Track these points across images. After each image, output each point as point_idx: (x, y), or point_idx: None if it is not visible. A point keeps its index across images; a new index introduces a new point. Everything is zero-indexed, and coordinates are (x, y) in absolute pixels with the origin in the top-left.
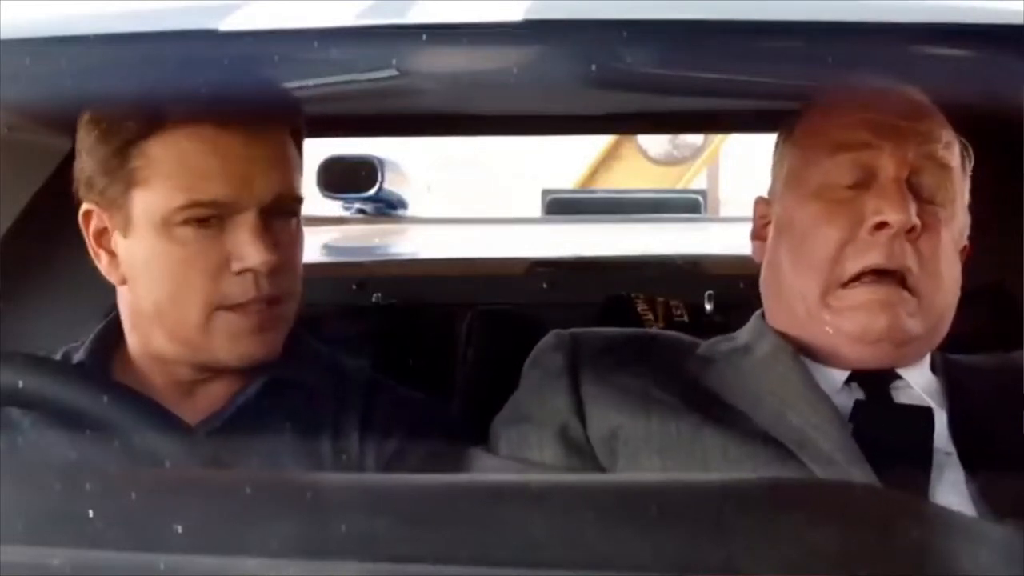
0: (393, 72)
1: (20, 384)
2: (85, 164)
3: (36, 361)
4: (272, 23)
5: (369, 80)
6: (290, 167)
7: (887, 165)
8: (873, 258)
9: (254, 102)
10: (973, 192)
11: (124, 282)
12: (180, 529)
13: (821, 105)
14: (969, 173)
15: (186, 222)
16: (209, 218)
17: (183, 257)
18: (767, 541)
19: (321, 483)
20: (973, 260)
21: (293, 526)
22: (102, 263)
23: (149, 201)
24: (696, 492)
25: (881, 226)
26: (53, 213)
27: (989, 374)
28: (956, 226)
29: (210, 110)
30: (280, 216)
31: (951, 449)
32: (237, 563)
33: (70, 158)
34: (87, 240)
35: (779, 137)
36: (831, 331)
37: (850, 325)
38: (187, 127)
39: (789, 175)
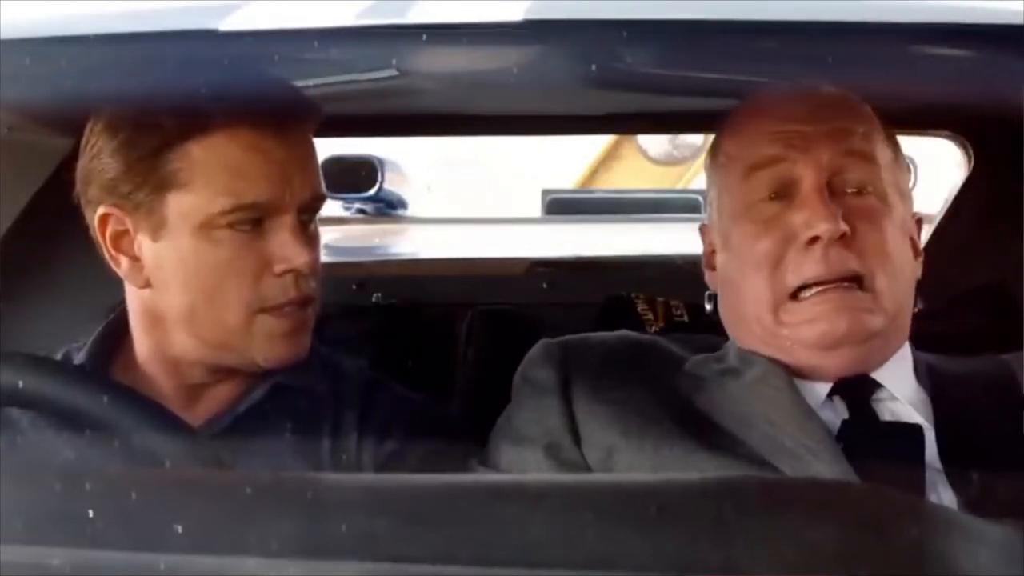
0: (393, 72)
1: (20, 384)
2: (106, 167)
3: (36, 361)
4: (272, 23)
5: (369, 80)
6: (318, 167)
7: (804, 174)
8: (812, 270)
9: (288, 103)
10: (973, 192)
11: (148, 285)
12: (180, 529)
13: (731, 126)
14: (900, 160)
15: (228, 225)
16: (250, 220)
17: (223, 260)
18: (767, 541)
19: (321, 483)
20: (973, 260)
21: (293, 526)
22: (122, 267)
23: (188, 204)
24: (696, 492)
25: (813, 240)
26: (53, 213)
27: (976, 379)
28: (896, 212)
29: (252, 112)
30: (309, 216)
31: (939, 466)
32: (237, 563)
33: (70, 158)
34: (103, 244)
35: (706, 162)
36: (793, 345)
37: (809, 335)
38: (229, 130)
39: (718, 199)
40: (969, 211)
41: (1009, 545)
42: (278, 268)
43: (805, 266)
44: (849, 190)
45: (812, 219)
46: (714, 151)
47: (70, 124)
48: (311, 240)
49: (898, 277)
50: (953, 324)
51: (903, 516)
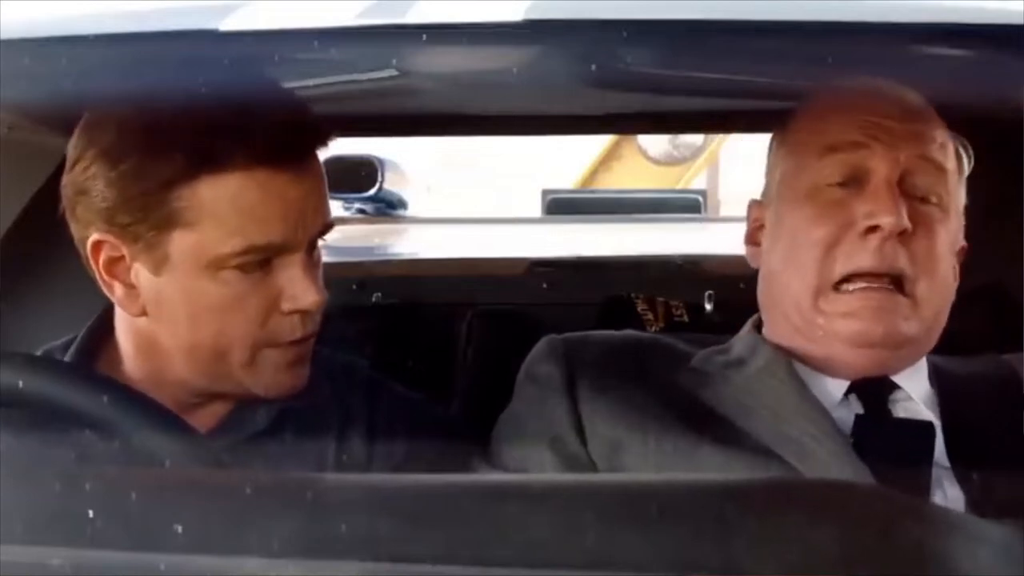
0: (393, 72)
1: (20, 384)
2: (103, 195)
3: (36, 361)
4: (272, 23)
5: (369, 80)
6: (327, 196)
7: (878, 166)
8: (865, 260)
9: (301, 129)
10: (973, 192)
11: (144, 314)
12: (180, 529)
13: (814, 106)
14: (966, 175)
15: (237, 266)
16: (260, 261)
17: (230, 299)
18: (767, 541)
19: (321, 483)
20: (973, 260)
21: (293, 526)
22: (115, 294)
23: (195, 243)
24: (696, 492)
25: (872, 229)
26: (53, 213)
27: (980, 381)
28: (951, 226)
29: (265, 147)
30: (316, 245)
31: (946, 463)
32: (237, 563)
33: None
34: (95, 270)
35: (772, 139)
36: (826, 336)
37: (845, 329)
38: (242, 168)
39: (782, 177)
40: (969, 211)
41: (1010, 546)
42: (286, 307)
43: (857, 255)
44: (917, 194)
45: (877, 209)
46: (782, 137)
47: (70, 124)
48: (317, 272)
49: (940, 289)
50: (953, 324)
51: (905, 517)
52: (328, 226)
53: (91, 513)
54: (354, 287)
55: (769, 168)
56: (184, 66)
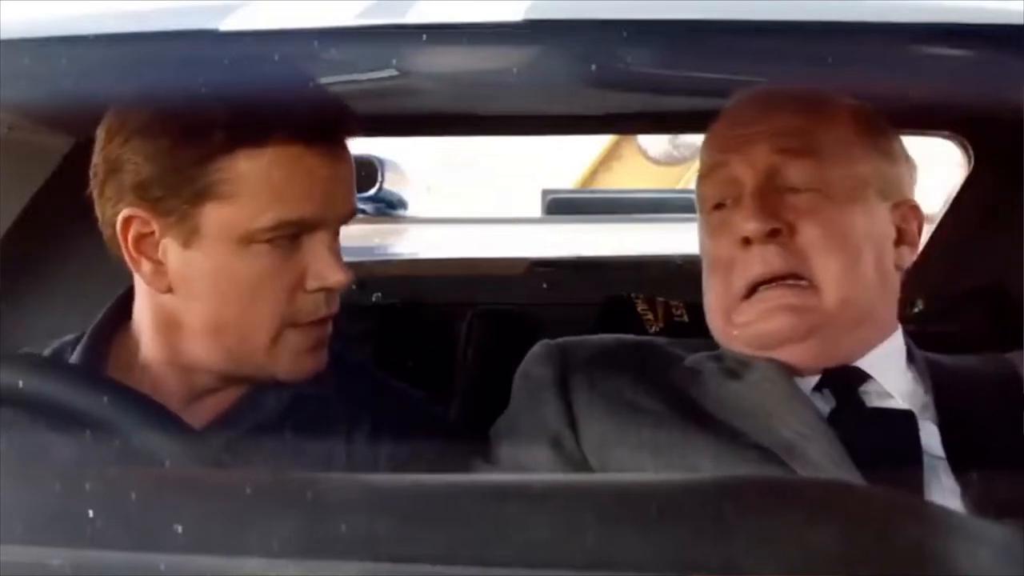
0: (393, 72)
1: (20, 384)
2: (138, 168)
3: (36, 361)
4: (272, 23)
5: (369, 80)
6: (354, 181)
7: (742, 176)
8: (752, 270)
9: (333, 115)
10: (973, 192)
11: (170, 291)
12: (180, 529)
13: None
14: (882, 155)
15: (267, 240)
16: (289, 236)
17: (257, 274)
18: (767, 541)
19: (321, 483)
20: (973, 260)
21: (293, 526)
22: (143, 270)
23: (228, 216)
24: (696, 492)
25: (746, 241)
26: (53, 213)
27: (979, 376)
28: (846, 205)
29: (301, 126)
30: (339, 230)
31: (941, 454)
32: (237, 563)
33: (70, 158)
34: (123, 245)
35: None
36: (745, 346)
37: (751, 336)
38: (279, 144)
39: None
40: (969, 211)
41: (1009, 545)
42: (311, 285)
43: (746, 267)
44: (790, 186)
45: (742, 220)
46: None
47: (70, 124)
48: (340, 254)
49: (853, 268)
50: (953, 324)
51: (904, 516)
52: (354, 212)
53: (91, 513)
54: (354, 287)
55: None
56: (190, 67)
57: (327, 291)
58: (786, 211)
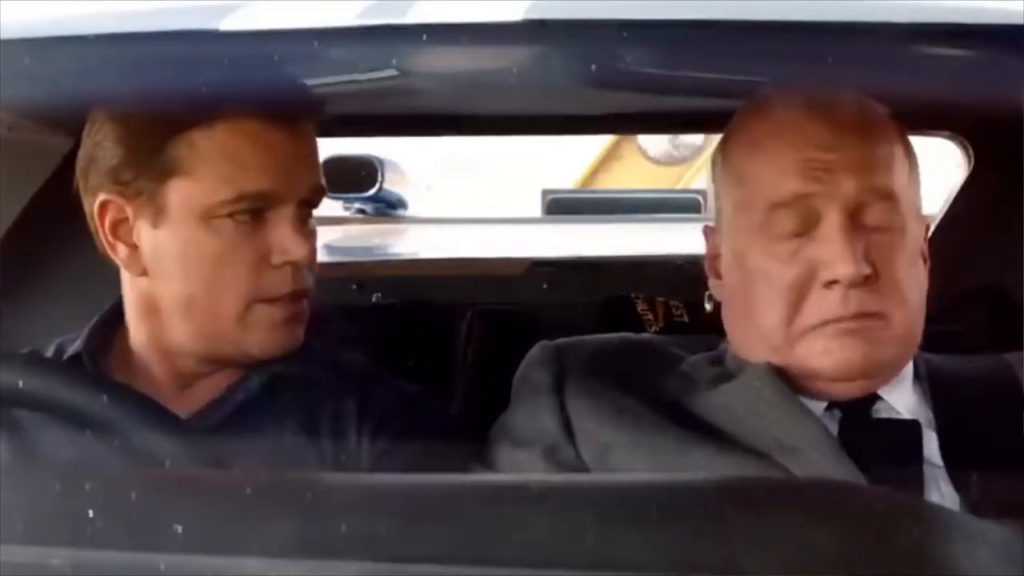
0: (393, 72)
1: (20, 384)
2: (108, 154)
3: (36, 361)
4: (272, 23)
5: (369, 80)
6: (319, 161)
7: (828, 210)
8: (832, 310)
9: (292, 97)
10: (973, 192)
11: (145, 273)
12: (180, 529)
13: (746, 135)
14: (915, 174)
15: (229, 215)
16: (251, 211)
17: (222, 249)
18: (767, 541)
19: (321, 483)
20: (973, 260)
21: (293, 526)
22: (119, 255)
23: (190, 191)
24: (696, 492)
25: (833, 283)
26: (53, 213)
27: (977, 379)
28: (911, 239)
29: (257, 104)
30: (308, 209)
31: (940, 463)
32: (237, 563)
33: (70, 158)
34: (101, 233)
35: (714, 167)
36: (804, 371)
37: (823, 365)
38: (234, 120)
39: (733, 211)
40: (969, 211)
41: (1009, 546)
42: (276, 260)
43: (823, 306)
44: (872, 225)
45: (833, 262)
46: (723, 159)
47: (70, 124)
48: (309, 233)
49: (910, 303)
50: (953, 324)
51: (904, 517)
52: (320, 191)
53: (91, 513)
54: (354, 287)
55: (717, 192)
56: (186, 66)
57: (293, 265)
58: (871, 253)
